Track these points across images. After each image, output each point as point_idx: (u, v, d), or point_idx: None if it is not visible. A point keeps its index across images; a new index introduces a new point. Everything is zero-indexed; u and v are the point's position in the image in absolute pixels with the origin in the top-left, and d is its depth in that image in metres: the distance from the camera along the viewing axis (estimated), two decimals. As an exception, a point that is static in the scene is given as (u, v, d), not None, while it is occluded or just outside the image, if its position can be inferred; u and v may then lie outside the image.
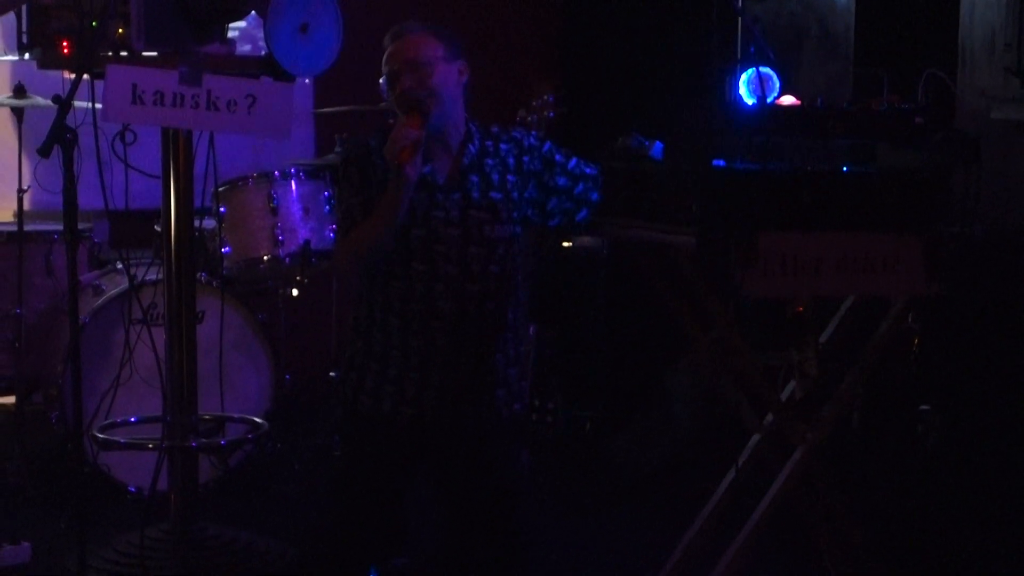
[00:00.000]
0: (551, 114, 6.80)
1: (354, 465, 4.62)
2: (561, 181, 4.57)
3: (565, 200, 4.60)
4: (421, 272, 4.43)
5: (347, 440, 4.70)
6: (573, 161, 4.59)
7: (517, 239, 4.56)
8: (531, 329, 6.64)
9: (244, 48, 6.75)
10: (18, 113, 6.19)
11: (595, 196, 4.56)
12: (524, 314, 4.70)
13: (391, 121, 5.35)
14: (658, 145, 4.13)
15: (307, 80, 7.14)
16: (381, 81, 4.57)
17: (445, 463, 4.59)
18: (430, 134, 4.45)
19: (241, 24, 6.23)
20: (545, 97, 6.81)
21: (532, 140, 4.60)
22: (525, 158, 4.57)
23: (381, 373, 4.50)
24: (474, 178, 4.50)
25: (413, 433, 4.49)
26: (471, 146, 4.52)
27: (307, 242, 6.29)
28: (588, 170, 4.57)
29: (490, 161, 4.54)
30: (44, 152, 4.37)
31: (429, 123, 4.40)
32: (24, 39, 5.05)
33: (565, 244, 7.04)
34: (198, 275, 5.60)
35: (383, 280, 4.48)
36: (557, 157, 4.57)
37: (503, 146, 4.57)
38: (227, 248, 6.28)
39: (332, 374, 6.45)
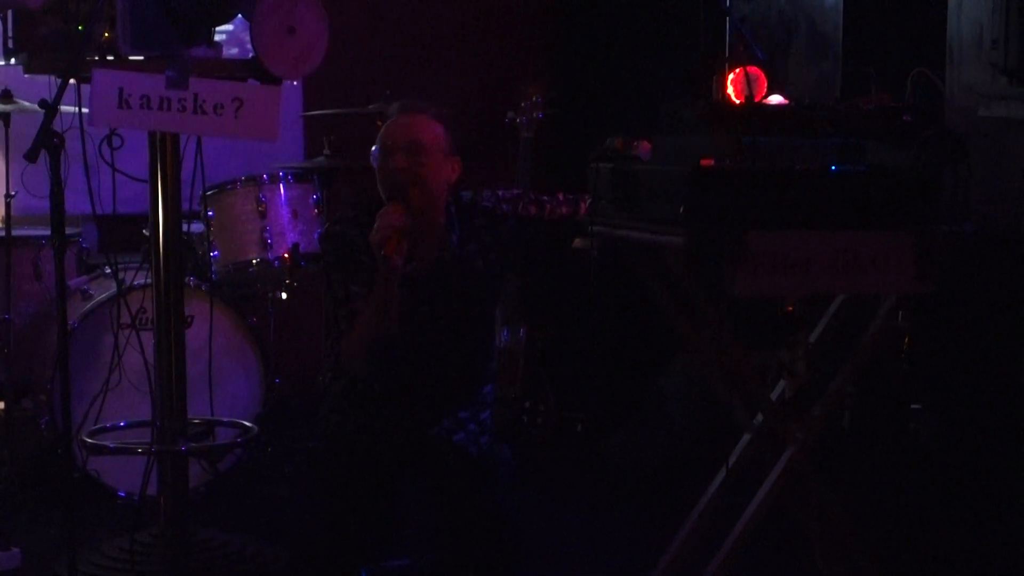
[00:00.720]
0: (540, 115, 6.81)
1: (340, 475, 4.67)
2: (534, 234, 4.68)
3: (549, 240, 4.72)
4: (402, 356, 4.51)
5: (330, 461, 4.75)
6: (543, 206, 4.70)
7: (493, 303, 4.69)
8: (521, 331, 6.64)
9: (231, 51, 6.74)
10: (4, 118, 6.18)
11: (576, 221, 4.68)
12: (492, 355, 4.81)
13: (379, 122, 5.33)
14: (646, 146, 4.12)
15: (295, 83, 7.13)
16: (374, 149, 4.57)
17: (426, 485, 4.67)
18: (412, 228, 4.47)
19: (228, 27, 6.21)
20: (534, 99, 6.83)
21: (503, 207, 4.67)
22: (501, 229, 4.65)
23: (359, 412, 4.59)
24: (457, 268, 4.55)
25: (390, 461, 4.58)
26: (453, 236, 4.56)
27: (296, 245, 6.28)
28: (561, 210, 4.70)
29: (472, 247, 4.58)
30: (31, 157, 4.36)
31: (412, 211, 4.41)
32: (10, 44, 5.03)
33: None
34: (187, 279, 5.59)
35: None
36: (530, 211, 4.67)
37: (478, 223, 4.62)
38: (215, 252, 6.27)
39: (322, 378, 6.45)
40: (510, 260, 4.69)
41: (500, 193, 4.75)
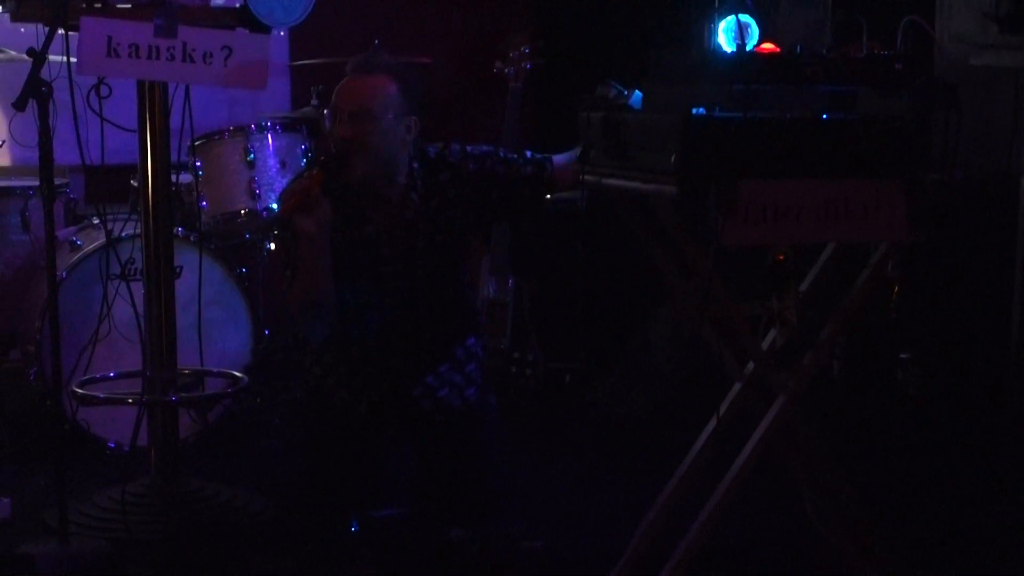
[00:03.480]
0: (528, 65, 6.79)
1: (325, 428, 4.69)
2: (501, 193, 4.62)
3: (513, 203, 4.66)
4: (372, 315, 4.54)
5: (315, 415, 4.76)
6: (511, 167, 4.64)
7: (462, 259, 4.67)
8: (510, 282, 6.64)
9: (217, 0, 6.70)
10: (-8, 67, 6.15)
11: (544, 187, 4.63)
12: (474, 310, 4.79)
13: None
14: (637, 94, 4.11)
15: (282, 32, 7.10)
16: (326, 111, 4.56)
17: (412, 440, 4.68)
18: (365, 194, 4.46)
19: (215, -24, 6.18)
20: (522, 49, 6.80)
21: (471, 165, 4.62)
22: (466, 188, 4.60)
23: (342, 368, 4.59)
24: (420, 227, 4.53)
25: (374, 417, 4.58)
26: (413, 194, 4.53)
27: (284, 195, 6.26)
28: (528, 170, 4.64)
29: (435, 203, 4.56)
30: (19, 106, 4.34)
31: (354, 179, 4.41)
32: (-5, -8, 5.01)
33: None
34: (175, 230, 5.58)
35: (339, 307, 4.57)
36: (499, 170, 4.62)
37: (443, 177, 4.58)
38: (204, 202, 6.25)
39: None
40: (476, 216, 4.65)
41: (469, 149, 4.71)
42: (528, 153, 4.75)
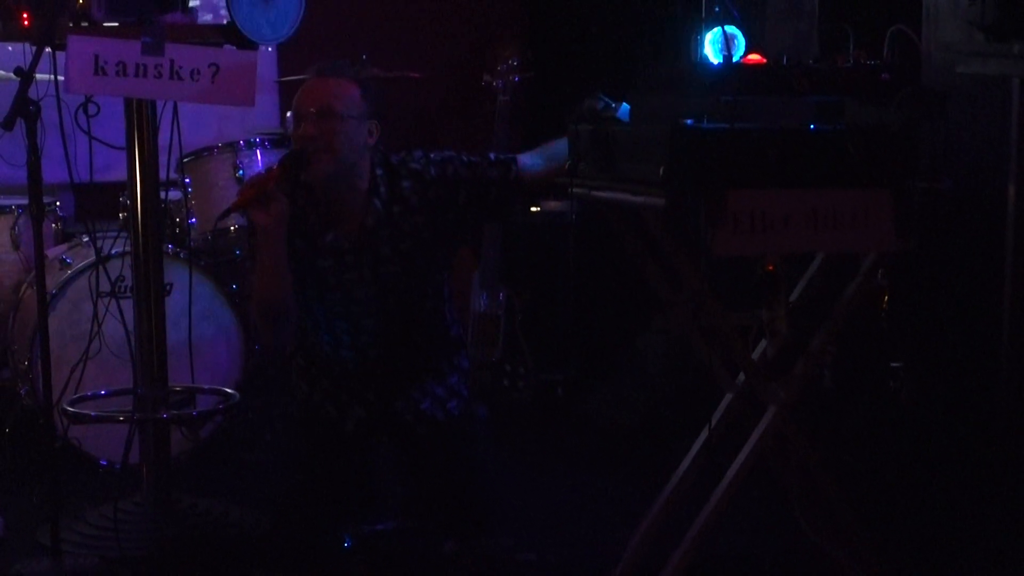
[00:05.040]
0: (517, 78, 6.80)
1: (314, 443, 4.69)
2: (467, 197, 4.62)
3: (481, 207, 4.66)
4: (344, 328, 4.53)
5: (305, 430, 4.76)
6: (475, 171, 4.63)
7: (437, 271, 4.65)
8: (501, 294, 6.64)
9: (205, 17, 6.70)
10: (-21, 86, 6.15)
11: (512, 188, 4.62)
12: (454, 324, 4.78)
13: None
14: (624, 106, 4.12)
15: (270, 49, 7.11)
16: (289, 114, 4.56)
17: (399, 453, 4.68)
18: (329, 199, 4.47)
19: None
20: (511, 61, 6.81)
21: (433, 170, 4.60)
22: (429, 193, 4.59)
23: (326, 383, 4.60)
24: (383, 233, 4.52)
25: (362, 432, 4.58)
26: (376, 200, 4.52)
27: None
28: (492, 173, 4.63)
29: (397, 208, 4.55)
30: (7, 125, 4.35)
31: (316, 179, 4.41)
32: (-16, 12, 5.01)
33: (533, 208, 7.04)
34: (165, 247, 5.58)
35: (312, 327, 4.57)
36: (463, 174, 4.61)
37: (406, 184, 4.57)
38: (193, 219, 6.25)
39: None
40: (445, 223, 4.63)
41: (432, 156, 4.71)
42: (492, 155, 4.74)
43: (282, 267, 4.37)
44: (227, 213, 4.41)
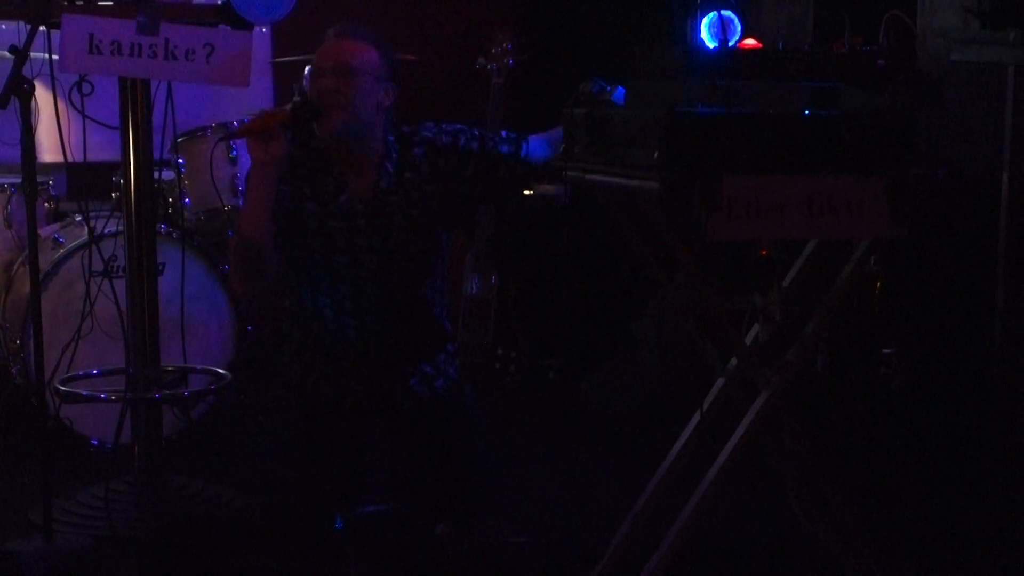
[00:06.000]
0: (511, 61, 6.79)
1: (306, 424, 4.69)
2: (475, 170, 4.62)
3: (488, 182, 4.66)
4: (347, 293, 4.52)
5: (298, 411, 4.76)
6: (486, 144, 4.63)
7: (442, 244, 4.66)
8: (493, 278, 6.64)
9: (200, -3, 6.70)
10: (-28, 64, 6.13)
11: (520, 167, 4.63)
12: (446, 299, 4.79)
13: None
14: (620, 90, 4.11)
15: (264, 29, 7.10)
16: (306, 71, 4.56)
17: (389, 432, 4.69)
18: (343, 159, 4.47)
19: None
20: (505, 44, 6.80)
21: (445, 139, 4.62)
22: (440, 161, 4.60)
23: (320, 362, 4.60)
24: (394, 198, 4.53)
25: (357, 412, 4.59)
26: (388, 164, 4.53)
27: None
28: (503, 148, 4.63)
29: (409, 175, 4.56)
30: (1, 104, 4.33)
31: (326, 134, 4.42)
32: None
33: (527, 192, 7.03)
34: (158, 227, 5.57)
35: (312, 294, 4.57)
36: (474, 147, 4.62)
37: (417, 152, 4.58)
38: (187, 199, 6.24)
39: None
40: (452, 195, 4.64)
41: (444, 126, 4.71)
42: (503, 132, 4.75)
43: (266, 208, 4.38)
44: (229, 136, 4.42)
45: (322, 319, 4.63)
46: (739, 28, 4.06)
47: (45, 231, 6.11)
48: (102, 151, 5.15)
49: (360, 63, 4.46)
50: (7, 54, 4.49)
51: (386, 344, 4.62)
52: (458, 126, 4.70)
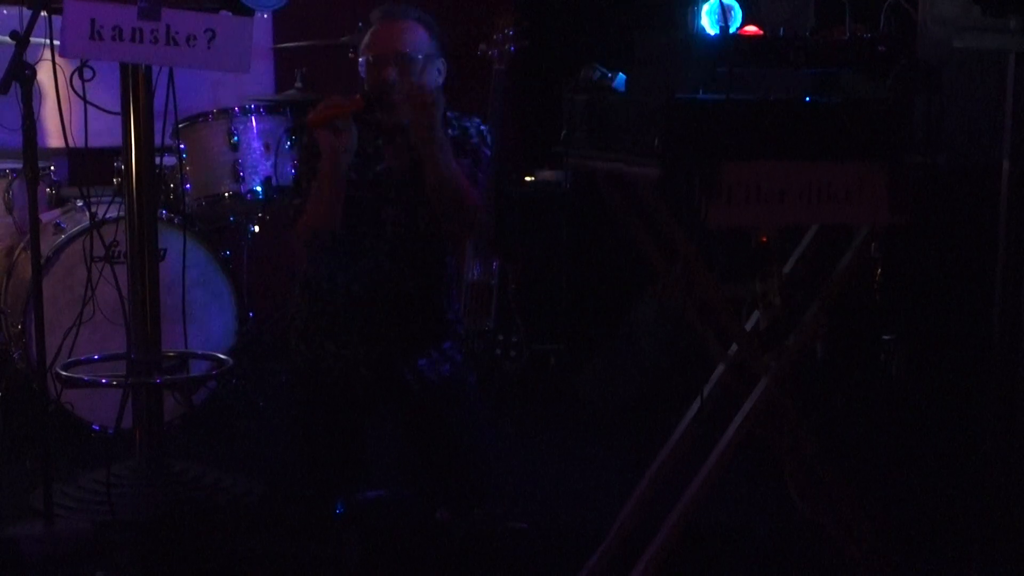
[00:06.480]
0: (512, 48, 6.78)
1: (311, 407, 4.69)
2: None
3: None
4: (364, 268, 4.53)
5: (304, 395, 4.77)
6: (476, 155, 4.68)
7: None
8: (494, 264, 6.64)
9: (202, -17, 6.70)
10: (-26, 50, 6.13)
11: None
12: (455, 286, 4.82)
13: (351, 55, 5.32)
14: (621, 76, 4.11)
15: (265, 15, 7.08)
16: (361, 60, 4.56)
17: (394, 415, 4.70)
18: (386, 131, 4.48)
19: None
20: (506, 31, 6.79)
21: (474, 139, 4.65)
22: (467, 147, 4.63)
23: (328, 343, 4.60)
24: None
25: (365, 393, 4.59)
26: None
27: (268, 179, 6.26)
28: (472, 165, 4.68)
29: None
30: (2, 89, 4.34)
31: (392, 121, 4.43)
32: (-21, -25, 5.00)
33: (527, 178, 7.04)
34: (159, 212, 5.58)
35: (328, 269, 4.57)
36: (484, 152, 4.66)
37: (450, 131, 4.61)
38: (188, 185, 6.25)
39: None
40: (477, 167, 4.67)
41: (483, 128, 4.78)
42: (487, 152, 4.78)
43: (339, 198, 4.41)
44: (302, 127, 4.43)
45: (333, 298, 4.63)
46: (740, 14, 4.06)
47: (46, 216, 6.12)
48: (104, 136, 5.16)
49: (415, 47, 4.50)
50: (8, 40, 4.49)
51: (396, 328, 4.62)
52: (477, 122, 4.75)
